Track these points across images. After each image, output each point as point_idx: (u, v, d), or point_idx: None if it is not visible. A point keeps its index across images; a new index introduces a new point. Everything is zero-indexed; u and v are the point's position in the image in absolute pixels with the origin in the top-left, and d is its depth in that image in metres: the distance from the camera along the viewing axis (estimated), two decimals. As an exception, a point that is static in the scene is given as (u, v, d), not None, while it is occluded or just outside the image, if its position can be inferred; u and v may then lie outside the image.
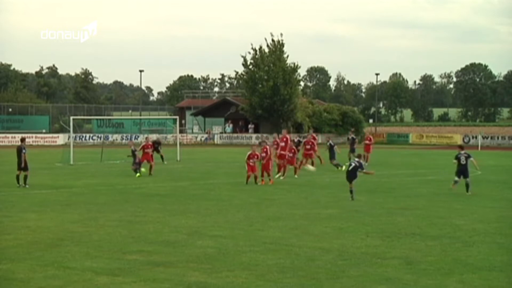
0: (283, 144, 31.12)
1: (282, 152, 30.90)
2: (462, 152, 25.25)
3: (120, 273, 11.68)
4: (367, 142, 41.67)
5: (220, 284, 11.03)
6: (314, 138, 37.33)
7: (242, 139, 75.46)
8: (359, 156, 23.71)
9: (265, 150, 28.35)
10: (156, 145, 37.20)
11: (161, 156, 38.96)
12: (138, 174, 31.38)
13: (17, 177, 26.52)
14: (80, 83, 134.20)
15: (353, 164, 22.51)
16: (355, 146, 40.45)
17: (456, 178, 24.92)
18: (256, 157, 27.88)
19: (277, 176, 30.40)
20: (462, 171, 24.80)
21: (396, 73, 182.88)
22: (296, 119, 74.76)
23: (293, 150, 31.41)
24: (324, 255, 13.22)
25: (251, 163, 27.69)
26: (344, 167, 35.50)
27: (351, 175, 22.42)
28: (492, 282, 11.31)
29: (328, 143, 37.11)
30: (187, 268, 12.08)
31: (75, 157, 40.39)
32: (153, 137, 47.97)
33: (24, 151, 26.54)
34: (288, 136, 32.47)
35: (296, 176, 30.80)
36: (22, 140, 27.75)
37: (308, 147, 35.67)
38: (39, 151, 53.44)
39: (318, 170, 35.03)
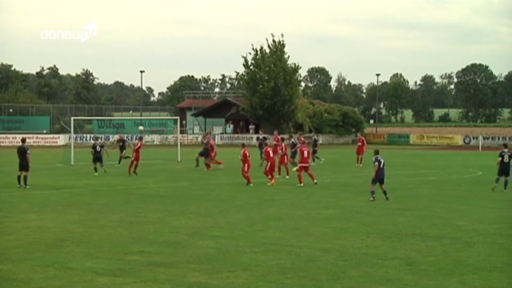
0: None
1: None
2: (506, 150, 25.47)
3: (121, 274, 11.69)
4: (359, 144, 41.49)
5: (220, 285, 11.03)
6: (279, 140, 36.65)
7: (243, 139, 75.44)
8: (377, 152, 23.12)
9: (266, 153, 28.42)
10: (120, 143, 37.25)
11: (121, 157, 38.25)
12: (97, 173, 32.72)
13: (18, 178, 26.53)
14: (81, 83, 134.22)
15: (382, 160, 22.31)
16: (317, 148, 40.55)
17: (498, 176, 25.09)
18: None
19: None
20: (504, 169, 24.99)
21: (397, 74, 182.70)
22: (297, 119, 74.75)
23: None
24: (325, 256, 13.23)
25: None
26: (295, 168, 35.60)
27: (383, 173, 22.17)
28: (492, 283, 11.31)
29: (312, 138, 37.48)
30: (187, 269, 12.09)
31: (75, 157, 40.39)
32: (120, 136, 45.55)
33: (28, 151, 26.61)
34: (279, 136, 32.81)
35: (288, 177, 30.73)
36: (23, 140, 27.78)
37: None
38: (40, 152, 53.42)
39: (318, 171, 35.06)
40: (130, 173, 32.24)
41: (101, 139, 33.66)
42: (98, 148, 33.77)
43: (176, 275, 11.62)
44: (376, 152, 23.09)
